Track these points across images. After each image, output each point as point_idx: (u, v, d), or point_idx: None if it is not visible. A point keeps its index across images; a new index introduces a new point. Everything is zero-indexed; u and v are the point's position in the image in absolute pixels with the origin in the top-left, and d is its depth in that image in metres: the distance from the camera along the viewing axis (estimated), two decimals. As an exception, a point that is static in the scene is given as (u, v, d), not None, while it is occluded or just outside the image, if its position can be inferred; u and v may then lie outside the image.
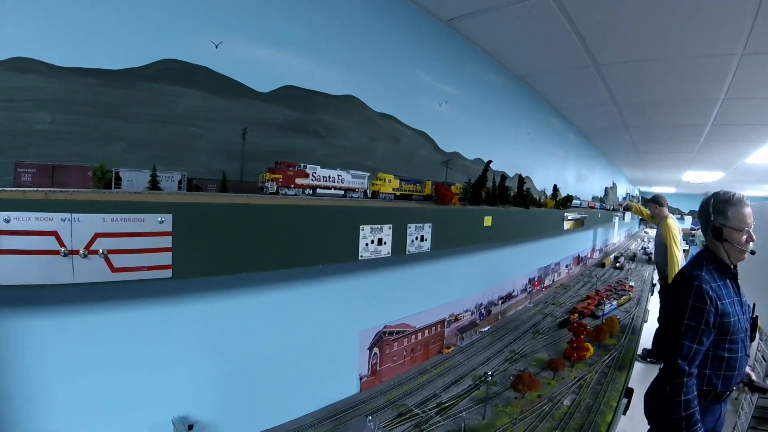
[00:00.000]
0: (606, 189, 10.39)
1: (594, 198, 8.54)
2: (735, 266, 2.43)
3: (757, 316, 2.60)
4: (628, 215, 10.44)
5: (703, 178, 12.85)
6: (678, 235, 6.77)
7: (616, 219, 9.23)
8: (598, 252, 9.28)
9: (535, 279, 5.01)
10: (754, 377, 2.53)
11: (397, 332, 2.75)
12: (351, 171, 1.86)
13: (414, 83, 2.80)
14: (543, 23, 2.89)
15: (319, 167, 1.70)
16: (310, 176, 1.64)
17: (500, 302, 4.09)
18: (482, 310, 3.75)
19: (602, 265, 8.32)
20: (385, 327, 2.64)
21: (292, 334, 2.08)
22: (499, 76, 3.94)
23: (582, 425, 2.29)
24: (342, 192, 1.80)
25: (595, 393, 2.70)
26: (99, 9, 1.38)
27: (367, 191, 1.94)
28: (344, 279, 2.33)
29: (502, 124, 4.06)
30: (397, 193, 2.06)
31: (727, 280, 2.38)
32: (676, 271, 6.40)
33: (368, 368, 2.56)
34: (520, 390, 2.56)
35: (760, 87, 3.82)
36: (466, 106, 3.40)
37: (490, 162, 2.65)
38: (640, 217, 9.40)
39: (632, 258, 9.85)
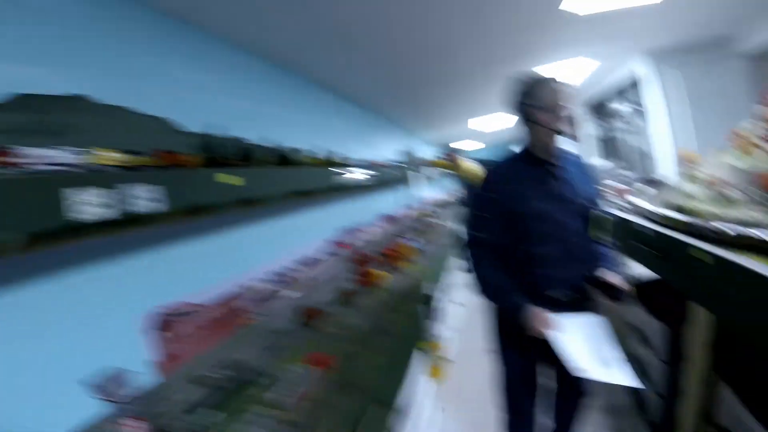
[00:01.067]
0: (407, 153, 11.36)
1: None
2: (553, 154, 2.28)
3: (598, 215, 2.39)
4: (434, 172, 11.57)
5: (497, 124, 14.35)
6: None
7: (421, 176, 10.14)
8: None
9: (342, 241, 5.43)
10: (611, 278, 2.28)
11: (186, 312, 2.86)
12: (64, 147, 1.95)
13: (153, 75, 2.97)
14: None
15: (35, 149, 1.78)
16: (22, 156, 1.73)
17: (305, 267, 4.39)
18: (285, 279, 4.00)
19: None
20: (169, 308, 2.74)
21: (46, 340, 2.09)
22: (255, 61, 4.21)
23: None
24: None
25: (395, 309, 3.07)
26: None
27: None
28: (107, 264, 2.38)
29: (266, 107, 4.34)
30: (127, 165, 2.18)
31: (539, 168, 2.27)
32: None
33: (162, 353, 2.64)
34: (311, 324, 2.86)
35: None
36: (218, 92, 3.61)
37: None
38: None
39: (444, 205, 11.00)
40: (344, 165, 4.66)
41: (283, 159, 3.55)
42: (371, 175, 5.19)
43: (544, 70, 7.06)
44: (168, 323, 2.70)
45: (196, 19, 3.35)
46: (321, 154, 4.97)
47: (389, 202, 8.86)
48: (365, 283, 3.45)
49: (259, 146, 3.34)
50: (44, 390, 2.00)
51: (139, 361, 2.48)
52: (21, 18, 2.14)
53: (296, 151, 4.09)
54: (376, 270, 3.60)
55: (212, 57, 3.64)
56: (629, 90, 7.61)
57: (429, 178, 12.75)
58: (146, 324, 2.57)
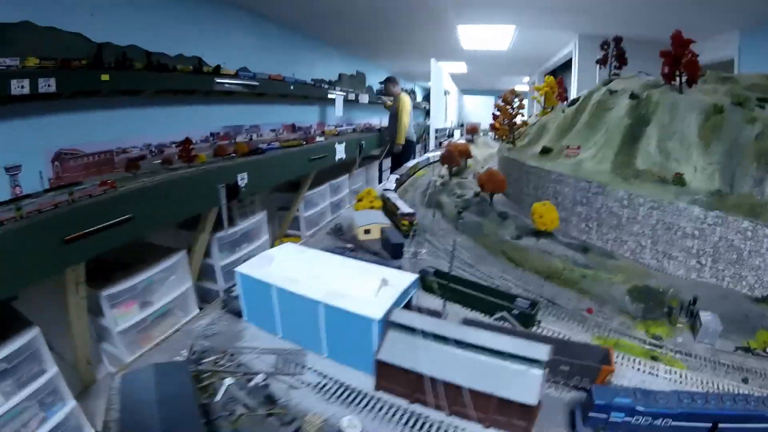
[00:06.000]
0: (340, 75, 13.11)
1: (317, 80, 11.33)
2: None
3: None
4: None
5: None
6: (409, 108, 9.97)
7: (339, 98, 11.74)
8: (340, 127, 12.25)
9: (220, 134, 7.76)
10: None
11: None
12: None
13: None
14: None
15: None
16: None
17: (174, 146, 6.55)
18: (153, 149, 6.34)
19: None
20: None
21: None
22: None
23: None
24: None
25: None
26: None
27: None
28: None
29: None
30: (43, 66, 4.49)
31: None
32: (403, 136, 9.46)
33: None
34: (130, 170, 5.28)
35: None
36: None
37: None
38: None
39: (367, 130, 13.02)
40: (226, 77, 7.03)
41: (150, 65, 5.73)
42: (246, 86, 7.57)
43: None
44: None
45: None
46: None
47: (304, 115, 11.10)
48: (186, 159, 5.66)
49: (142, 54, 5.65)
50: None
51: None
52: None
53: (172, 58, 6.35)
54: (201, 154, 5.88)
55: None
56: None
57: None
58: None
